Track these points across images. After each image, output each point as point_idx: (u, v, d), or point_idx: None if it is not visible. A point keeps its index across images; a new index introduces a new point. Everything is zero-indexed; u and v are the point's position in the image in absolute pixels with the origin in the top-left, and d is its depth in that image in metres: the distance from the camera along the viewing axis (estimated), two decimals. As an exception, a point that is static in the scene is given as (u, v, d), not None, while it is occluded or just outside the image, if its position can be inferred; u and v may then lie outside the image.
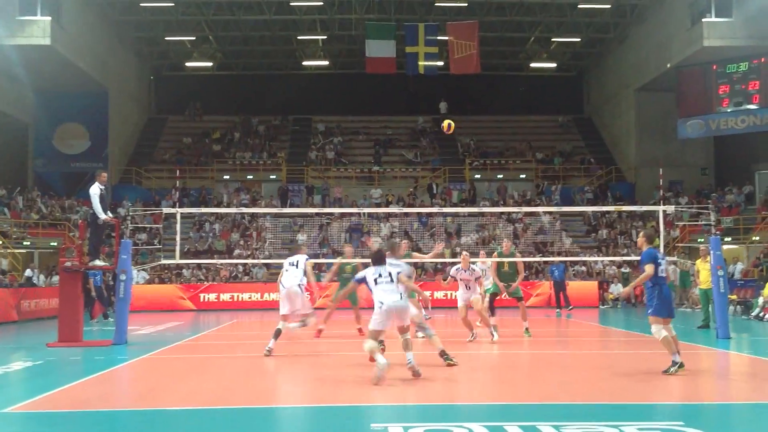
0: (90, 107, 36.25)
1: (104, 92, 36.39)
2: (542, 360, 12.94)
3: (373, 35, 33.93)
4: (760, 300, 22.23)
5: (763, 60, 30.84)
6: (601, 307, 28.36)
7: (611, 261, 30.28)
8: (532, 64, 43.76)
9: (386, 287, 10.37)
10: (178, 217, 19.31)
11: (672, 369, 10.20)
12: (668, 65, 33.61)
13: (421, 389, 9.52)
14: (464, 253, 15.67)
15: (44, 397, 9.03)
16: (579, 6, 35.76)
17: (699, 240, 27.64)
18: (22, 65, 30.17)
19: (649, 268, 10.34)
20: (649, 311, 10.59)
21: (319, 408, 8.57)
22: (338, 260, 17.40)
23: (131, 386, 10.70)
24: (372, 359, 10.03)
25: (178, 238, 18.95)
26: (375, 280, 10.47)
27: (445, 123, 17.09)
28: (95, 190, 14.92)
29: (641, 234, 11.17)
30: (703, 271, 17.88)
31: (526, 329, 16.15)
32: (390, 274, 10.52)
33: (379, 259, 10.74)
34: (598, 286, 29.40)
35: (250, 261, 30.06)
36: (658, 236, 18.03)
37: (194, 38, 40.22)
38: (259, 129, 42.76)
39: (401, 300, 10.35)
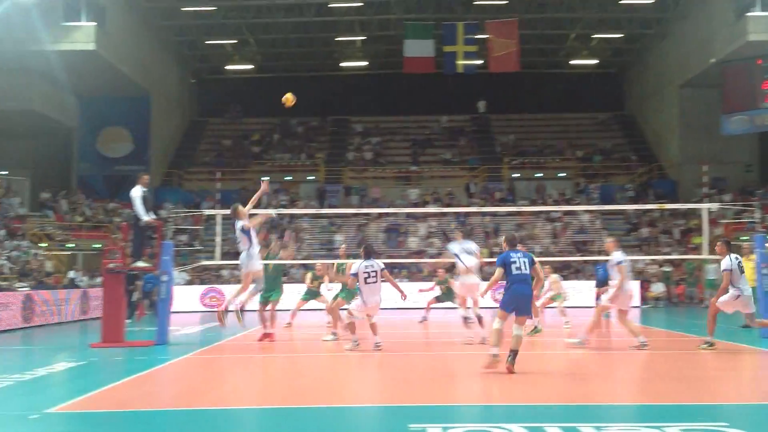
0: (132, 111, 36.82)
1: (146, 96, 36.92)
2: (582, 360, 12.81)
3: (412, 35, 33.95)
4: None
5: (809, 54, 30.19)
6: (642, 306, 27.97)
7: (652, 260, 29.87)
8: (573, 61, 43.32)
9: (373, 288, 13.24)
10: (219, 218, 19.48)
11: (491, 361, 10.58)
12: (712, 61, 33.04)
13: (458, 390, 9.49)
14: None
15: (87, 398, 9.15)
16: (620, 2, 35.33)
17: (742, 238, 27.12)
18: (66, 70, 30.70)
19: (498, 272, 10.96)
20: (499, 305, 11.04)
21: (358, 408, 8.58)
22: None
23: (173, 386, 10.81)
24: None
25: (218, 239, 19.12)
26: (365, 279, 13.20)
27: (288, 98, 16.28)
28: (137, 193, 15.10)
29: (503, 238, 11.70)
30: (747, 269, 17.53)
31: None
32: (376, 273, 13.28)
33: (369, 253, 13.53)
34: (639, 286, 28.98)
35: (288, 261, 30.18)
36: (701, 234, 17.71)
37: (234, 41, 40.56)
38: (297, 130, 42.99)
39: (380, 300, 13.44)
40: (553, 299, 19.15)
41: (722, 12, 32.40)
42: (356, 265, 13.51)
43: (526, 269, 10.77)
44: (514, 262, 10.80)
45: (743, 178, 36.61)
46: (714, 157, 35.81)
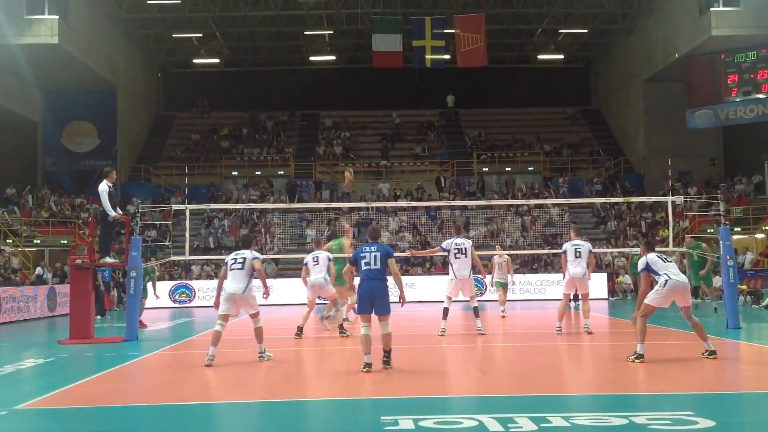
0: (98, 105, 36.40)
1: (112, 90, 36.52)
2: (550, 351, 12.95)
3: (380, 29, 33.91)
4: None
5: (772, 49, 30.69)
6: (610, 298, 28.31)
7: (620, 252, 30.24)
8: (540, 56, 43.63)
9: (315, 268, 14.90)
10: (187, 213, 19.39)
11: (362, 368, 9.99)
12: (676, 55, 33.48)
13: (428, 381, 9.54)
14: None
15: (56, 394, 9.08)
16: (585, -3, 35.66)
17: (708, 230, 27.56)
18: (30, 64, 30.32)
19: (346, 268, 11.23)
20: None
21: (328, 401, 8.60)
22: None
23: (142, 382, 10.75)
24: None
25: (187, 234, 19.03)
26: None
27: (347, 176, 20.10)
28: (104, 188, 14.97)
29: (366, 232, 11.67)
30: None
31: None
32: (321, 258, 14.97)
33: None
34: (607, 278, 29.32)
35: (259, 256, 30.09)
36: (667, 227, 17.95)
37: (201, 35, 40.26)
38: (267, 125, 42.82)
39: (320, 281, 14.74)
40: (498, 286, 19.63)
41: (686, 7, 32.83)
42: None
43: (376, 264, 10.12)
44: (364, 257, 10.19)
45: (708, 172, 37.15)
46: (679, 151, 36.30)
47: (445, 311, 14.88)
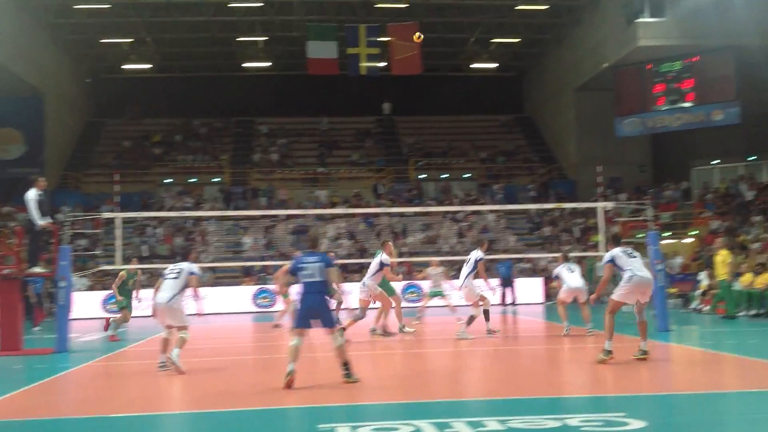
0: (24, 111, 35.33)
1: (39, 96, 35.51)
2: (485, 356, 13.08)
3: (314, 36, 33.79)
4: (698, 292, 22.85)
5: (696, 59, 31.62)
6: (546, 303, 28.74)
7: (554, 257, 30.71)
8: (473, 65, 44.07)
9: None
10: (118, 222, 19.02)
11: (285, 375, 9.42)
12: (605, 65, 34.18)
13: (365, 389, 9.53)
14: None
15: (-17, 408, 8.79)
16: (516, 7, 36.15)
17: (638, 235, 28.20)
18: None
19: (285, 279, 11.24)
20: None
21: (266, 410, 8.51)
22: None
23: (74, 394, 10.49)
24: None
25: (118, 243, 18.66)
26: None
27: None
28: (32, 196, 14.66)
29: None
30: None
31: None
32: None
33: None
34: (543, 283, 29.76)
35: (197, 271, 29.65)
36: (598, 232, 18.32)
37: (132, 40, 39.46)
38: (200, 131, 42.26)
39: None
40: (432, 296, 19.64)
41: (613, 18, 33.52)
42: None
43: (319, 276, 9.64)
44: (305, 269, 9.67)
45: (637, 178, 38.04)
46: (609, 158, 37.05)
47: (470, 318, 15.38)
